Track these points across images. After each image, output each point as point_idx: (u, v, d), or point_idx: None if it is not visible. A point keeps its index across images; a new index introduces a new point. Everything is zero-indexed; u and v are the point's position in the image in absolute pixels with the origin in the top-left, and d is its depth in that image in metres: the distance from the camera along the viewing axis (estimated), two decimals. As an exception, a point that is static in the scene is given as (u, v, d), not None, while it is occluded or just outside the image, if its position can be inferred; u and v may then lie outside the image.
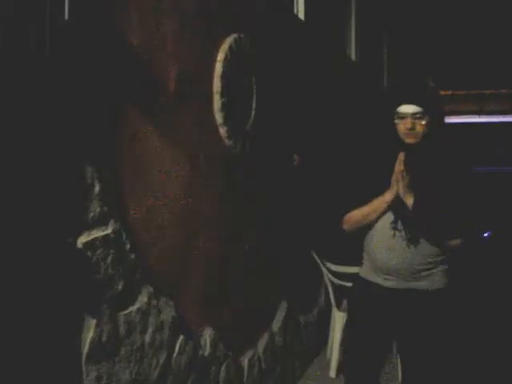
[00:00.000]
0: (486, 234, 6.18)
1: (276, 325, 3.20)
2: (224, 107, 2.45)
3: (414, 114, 2.26)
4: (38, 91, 1.57)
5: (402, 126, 2.29)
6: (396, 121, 2.31)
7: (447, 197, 2.27)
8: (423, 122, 2.25)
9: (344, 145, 4.30)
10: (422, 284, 2.29)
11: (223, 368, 2.57)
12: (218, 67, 2.43)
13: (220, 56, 2.45)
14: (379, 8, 6.05)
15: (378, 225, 2.36)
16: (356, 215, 2.41)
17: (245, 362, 2.80)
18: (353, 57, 5.36)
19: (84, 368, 1.72)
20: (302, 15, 3.91)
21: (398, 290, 2.30)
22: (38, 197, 1.58)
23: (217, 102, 2.43)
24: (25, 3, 1.53)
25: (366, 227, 2.39)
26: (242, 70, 2.63)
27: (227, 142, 2.53)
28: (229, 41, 2.51)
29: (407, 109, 2.28)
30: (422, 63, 6.30)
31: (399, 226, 2.30)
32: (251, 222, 2.87)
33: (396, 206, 2.31)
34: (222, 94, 2.44)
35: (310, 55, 3.76)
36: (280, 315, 3.25)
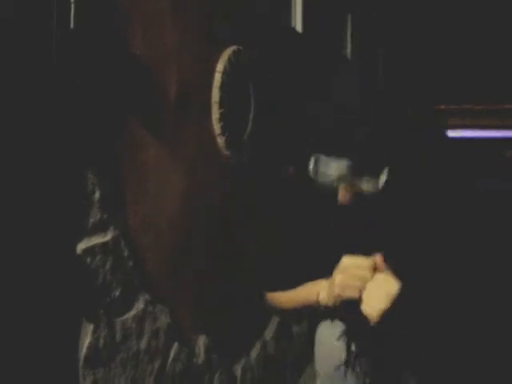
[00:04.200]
0: None
1: (269, 334, 3.22)
2: (222, 118, 2.48)
3: (344, 177, 1.36)
4: (42, 99, 1.60)
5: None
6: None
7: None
8: (367, 187, 1.33)
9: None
10: None
11: (217, 376, 2.59)
12: (217, 78, 2.46)
13: (219, 67, 2.48)
14: (376, 21, 6.09)
15: (322, 333, 1.53)
16: (282, 302, 1.60)
17: (238, 370, 2.82)
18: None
19: (81, 373, 1.74)
20: (299, 28, 3.95)
21: None
22: (39, 203, 1.61)
23: (215, 112, 2.46)
24: (30, 12, 1.56)
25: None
26: (240, 81, 2.67)
27: (225, 151, 2.56)
28: (228, 52, 2.55)
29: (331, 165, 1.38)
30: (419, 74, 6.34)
31: (352, 347, 1.39)
32: (247, 231, 2.89)
33: (348, 310, 1.33)
34: (221, 105, 2.47)
35: (307, 67, 3.80)
36: (273, 325, 3.27)
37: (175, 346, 2.24)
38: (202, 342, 2.46)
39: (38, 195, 1.60)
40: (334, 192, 1.40)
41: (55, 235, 1.65)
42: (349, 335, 1.38)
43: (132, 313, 1.97)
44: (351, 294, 1.28)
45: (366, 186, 1.31)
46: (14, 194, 1.54)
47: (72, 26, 1.62)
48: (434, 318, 1.30)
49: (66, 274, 1.68)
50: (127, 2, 1.89)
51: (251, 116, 2.81)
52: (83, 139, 1.72)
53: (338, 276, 1.30)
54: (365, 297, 1.26)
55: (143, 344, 2.04)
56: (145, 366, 2.05)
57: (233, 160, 2.62)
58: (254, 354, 3.02)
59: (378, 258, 1.28)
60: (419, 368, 1.34)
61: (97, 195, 1.77)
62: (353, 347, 1.37)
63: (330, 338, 1.45)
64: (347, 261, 1.31)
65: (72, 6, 1.64)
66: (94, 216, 1.76)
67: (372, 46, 6.31)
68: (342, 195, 1.34)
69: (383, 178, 1.28)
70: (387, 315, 1.23)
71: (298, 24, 4.02)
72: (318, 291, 1.40)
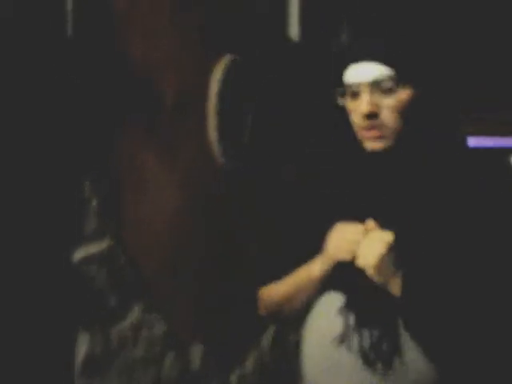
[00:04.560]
0: None
1: (265, 342, 3.21)
2: (219, 125, 2.49)
3: (375, 84, 1.23)
4: (39, 105, 1.60)
5: (356, 111, 1.26)
6: (340, 101, 1.30)
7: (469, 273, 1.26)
8: (398, 99, 1.24)
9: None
10: None
11: (212, 384, 2.58)
12: (214, 86, 2.47)
13: (216, 75, 2.49)
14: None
15: (318, 317, 1.40)
16: (274, 295, 1.50)
17: (234, 378, 2.81)
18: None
19: (77, 381, 1.73)
20: (296, 36, 3.96)
21: None
22: (36, 210, 1.60)
23: (212, 120, 2.47)
24: (27, 19, 1.56)
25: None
26: (237, 88, 2.67)
27: (221, 159, 2.56)
28: (225, 60, 2.55)
29: (360, 74, 1.23)
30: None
31: (351, 321, 1.31)
32: (247, 237, 2.89)
33: (347, 280, 1.32)
34: (218, 113, 2.48)
35: (304, 74, 3.80)
36: (269, 333, 3.26)
37: (171, 354, 2.23)
38: (197, 350, 2.45)
39: (35, 203, 1.60)
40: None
41: (51, 244, 1.64)
42: (348, 308, 1.33)
43: (128, 321, 1.96)
44: (344, 255, 1.29)
45: (388, 99, 1.23)
46: (10, 203, 1.53)
47: (69, 33, 1.62)
48: (443, 292, 1.27)
49: (63, 283, 1.67)
50: (124, 9, 1.89)
51: (249, 123, 2.81)
52: (80, 147, 1.72)
53: (331, 239, 1.32)
54: (358, 252, 1.26)
55: (139, 352, 2.03)
56: (140, 374, 2.04)
57: (230, 166, 2.62)
58: (250, 362, 3.00)
59: (370, 222, 1.28)
60: (423, 342, 1.28)
61: (93, 203, 1.76)
62: (351, 321, 1.32)
63: (325, 314, 1.38)
64: (340, 225, 1.32)
65: (69, 13, 1.64)
66: (91, 224, 1.76)
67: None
68: (362, 107, 1.24)
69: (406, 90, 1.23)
70: (384, 266, 1.23)
71: (295, 32, 4.03)
72: (310, 271, 1.38)
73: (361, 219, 1.31)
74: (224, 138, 2.55)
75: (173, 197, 2.23)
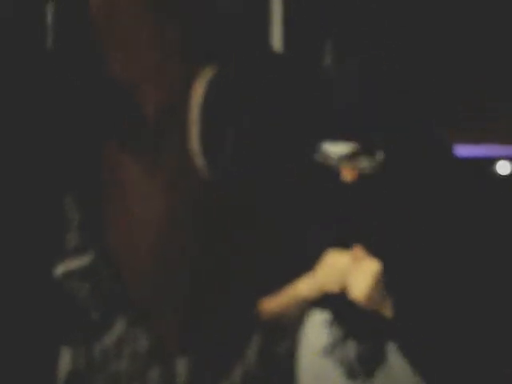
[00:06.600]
0: None
1: (252, 354, 3.20)
2: (202, 136, 2.48)
3: (345, 157, 1.34)
4: (17, 119, 1.59)
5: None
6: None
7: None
8: (368, 165, 1.33)
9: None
10: None
11: (199, 397, 2.56)
12: (198, 97, 2.46)
13: (199, 86, 2.48)
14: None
15: (308, 329, 1.46)
16: (269, 309, 1.63)
17: (220, 391, 2.79)
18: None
19: (60, 397, 1.72)
20: (279, 47, 3.97)
21: None
22: (17, 224, 1.59)
23: (195, 131, 2.46)
24: (7, 31, 1.56)
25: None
26: (221, 99, 2.67)
27: (206, 171, 2.55)
28: (208, 71, 2.55)
29: (332, 148, 1.37)
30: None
31: (337, 333, 1.38)
32: (230, 249, 2.88)
33: (334, 296, 1.35)
34: (201, 124, 2.47)
35: (288, 85, 3.80)
36: (256, 344, 3.25)
37: (156, 368, 2.21)
38: (183, 363, 2.43)
39: (16, 217, 1.59)
40: (336, 175, 1.44)
41: (33, 258, 1.63)
42: (335, 321, 1.38)
43: (112, 335, 1.95)
44: (332, 287, 1.33)
45: (364, 164, 1.32)
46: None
47: (48, 47, 1.62)
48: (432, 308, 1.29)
49: (45, 298, 1.66)
50: (104, 22, 1.89)
51: (234, 135, 2.80)
52: (61, 160, 1.71)
53: (321, 268, 1.36)
54: (349, 285, 1.29)
55: (123, 366, 2.01)
56: (125, 388, 2.03)
57: (213, 179, 2.61)
58: (237, 375, 2.99)
59: (358, 250, 1.32)
60: (418, 364, 1.29)
61: (76, 217, 1.75)
62: (337, 333, 1.37)
63: (314, 326, 1.44)
64: (330, 255, 1.35)
65: (49, 26, 1.63)
66: (73, 239, 1.75)
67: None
68: (345, 173, 1.36)
69: (380, 156, 1.33)
70: (375, 295, 1.26)
71: (278, 43, 4.04)
72: (297, 286, 1.45)
73: (350, 238, 1.36)
74: (208, 150, 2.54)
75: (157, 209, 2.22)
